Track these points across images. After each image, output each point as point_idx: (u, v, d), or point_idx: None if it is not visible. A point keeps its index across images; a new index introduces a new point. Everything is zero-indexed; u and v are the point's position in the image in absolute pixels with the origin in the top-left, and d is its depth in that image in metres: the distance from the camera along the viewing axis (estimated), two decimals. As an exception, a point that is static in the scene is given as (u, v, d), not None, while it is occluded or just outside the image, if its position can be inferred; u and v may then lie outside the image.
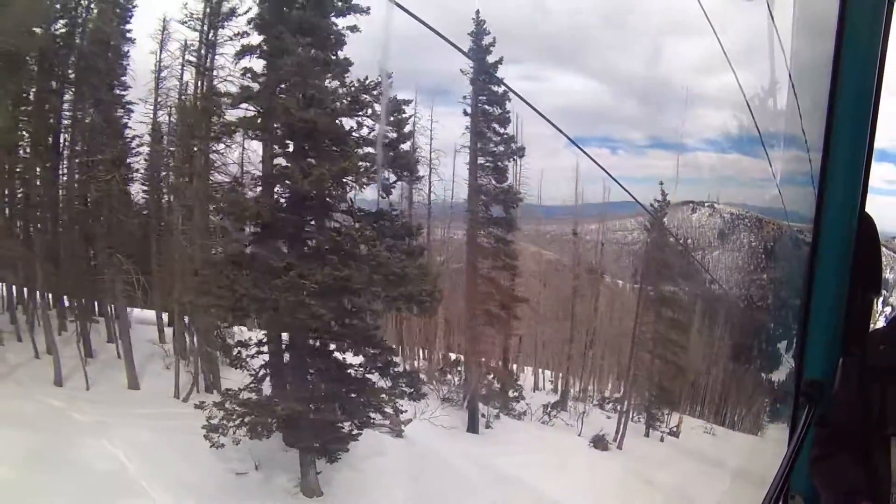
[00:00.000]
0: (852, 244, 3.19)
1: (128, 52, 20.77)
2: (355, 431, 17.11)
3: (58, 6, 19.77)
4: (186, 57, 20.60)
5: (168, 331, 21.95)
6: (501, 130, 24.44)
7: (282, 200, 17.37)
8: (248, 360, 17.58)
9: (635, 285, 29.10)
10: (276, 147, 17.62)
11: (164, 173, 22.16)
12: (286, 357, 17.64)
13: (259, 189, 17.97)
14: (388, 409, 17.63)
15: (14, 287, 20.67)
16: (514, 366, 28.07)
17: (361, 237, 16.58)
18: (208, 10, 20.04)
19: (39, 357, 18.84)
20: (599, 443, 24.51)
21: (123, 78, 20.66)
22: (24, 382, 17.69)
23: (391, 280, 16.61)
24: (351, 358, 17.53)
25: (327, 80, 17.29)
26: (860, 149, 3.12)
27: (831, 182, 3.17)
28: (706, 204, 35.13)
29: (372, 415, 17.38)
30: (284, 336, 17.64)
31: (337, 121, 17.15)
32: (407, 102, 19.51)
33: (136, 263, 19.96)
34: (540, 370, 31.12)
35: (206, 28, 20.12)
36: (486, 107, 24.39)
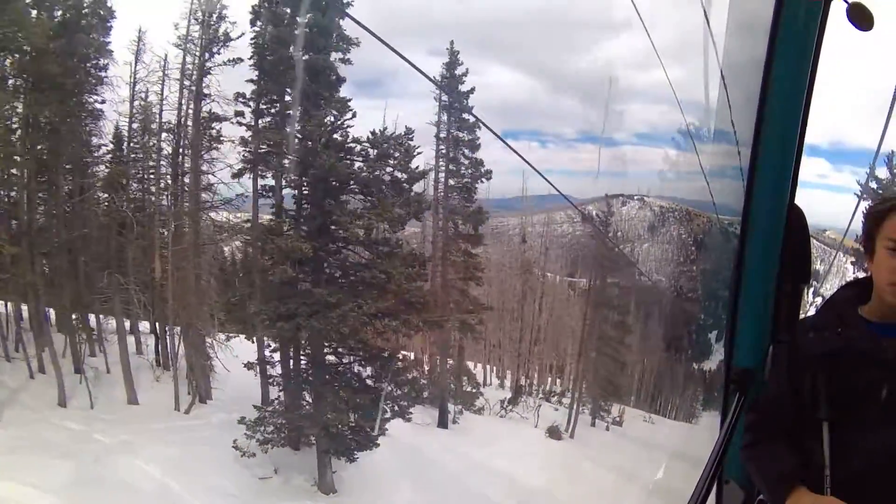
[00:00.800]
0: (781, 235, 2.95)
1: (106, 64, 20.03)
2: (376, 433, 17.40)
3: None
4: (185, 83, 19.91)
5: (147, 342, 21.47)
6: (472, 155, 24.34)
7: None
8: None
9: (569, 279, 28.58)
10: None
11: (154, 192, 21.27)
12: (289, 369, 18.35)
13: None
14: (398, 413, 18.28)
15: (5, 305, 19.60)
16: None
17: (381, 269, 17.28)
18: (203, 34, 19.58)
19: (34, 377, 18.00)
20: (554, 433, 24.72)
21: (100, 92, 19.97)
22: (31, 405, 16.77)
23: (411, 305, 17.71)
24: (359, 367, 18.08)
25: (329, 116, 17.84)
26: (790, 142, 2.88)
27: (760, 174, 2.91)
28: (636, 197, 33.83)
29: (385, 417, 17.85)
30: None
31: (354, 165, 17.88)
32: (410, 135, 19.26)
33: (135, 282, 19.36)
34: (488, 367, 31.05)
35: (200, 51, 19.63)
36: (458, 132, 24.26)
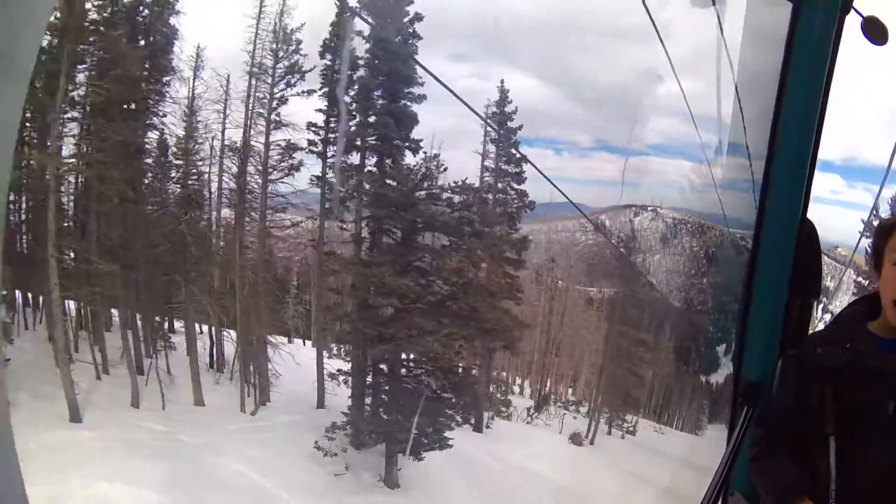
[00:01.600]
0: (792, 249, 2.66)
1: (169, 81, 19.54)
2: (447, 433, 17.69)
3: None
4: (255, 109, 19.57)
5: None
6: (517, 187, 23.76)
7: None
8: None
9: (583, 288, 27.56)
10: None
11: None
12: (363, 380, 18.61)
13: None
14: (459, 419, 18.47)
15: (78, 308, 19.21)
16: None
17: (466, 301, 17.81)
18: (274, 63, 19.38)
19: (101, 378, 17.71)
20: (576, 439, 24.39)
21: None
22: (104, 406, 16.39)
23: (486, 332, 18.41)
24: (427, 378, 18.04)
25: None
26: (804, 157, 2.59)
27: (774, 188, 2.63)
28: (649, 208, 31.70)
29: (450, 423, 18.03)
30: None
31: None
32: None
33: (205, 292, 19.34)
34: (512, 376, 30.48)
35: (273, 80, 19.44)
36: (505, 166, 23.82)
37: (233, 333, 20.30)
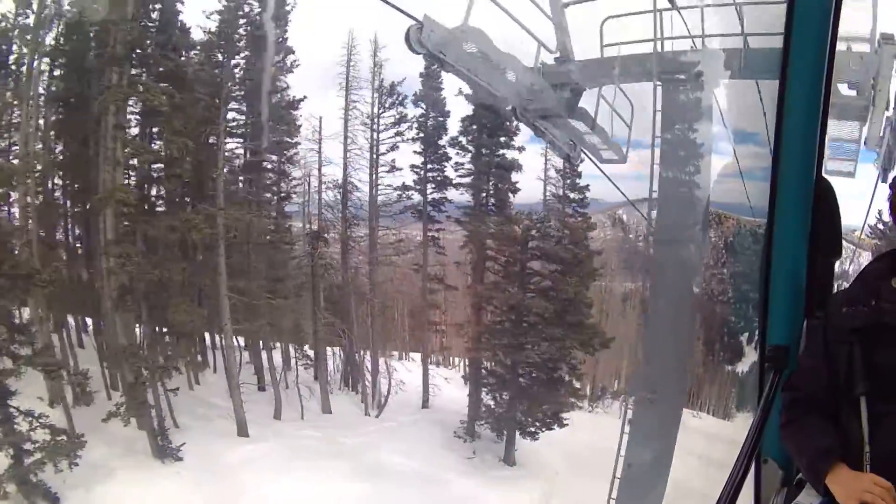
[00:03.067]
0: (810, 209, 2.13)
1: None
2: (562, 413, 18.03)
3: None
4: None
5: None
6: (581, 210, 21.81)
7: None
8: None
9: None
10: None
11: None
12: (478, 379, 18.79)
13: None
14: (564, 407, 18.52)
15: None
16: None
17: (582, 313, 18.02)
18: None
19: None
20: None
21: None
22: (254, 420, 16.12)
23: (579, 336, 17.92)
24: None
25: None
26: (814, 111, 2.05)
27: (787, 148, 2.08)
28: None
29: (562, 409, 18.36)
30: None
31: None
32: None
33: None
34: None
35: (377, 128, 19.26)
36: (570, 192, 21.79)
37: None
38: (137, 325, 15.20)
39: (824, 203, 2.12)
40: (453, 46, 6.01)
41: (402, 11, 5.52)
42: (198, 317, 15.68)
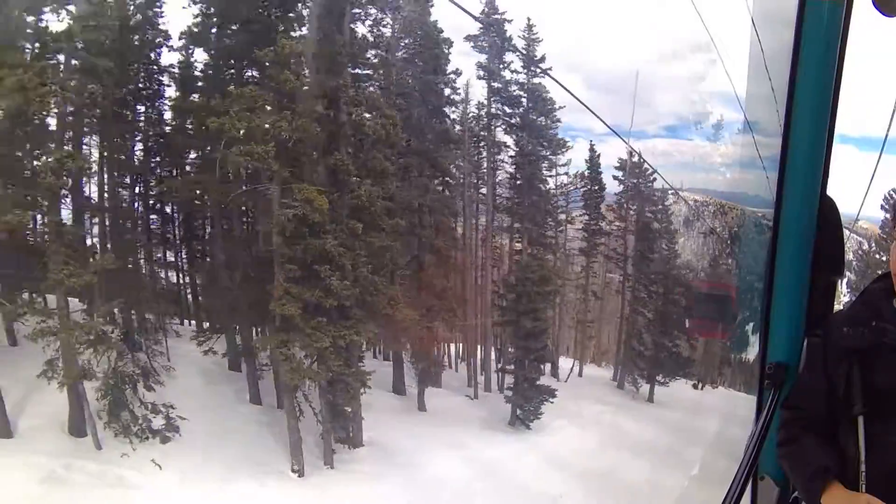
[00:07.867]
0: (814, 227, 2.13)
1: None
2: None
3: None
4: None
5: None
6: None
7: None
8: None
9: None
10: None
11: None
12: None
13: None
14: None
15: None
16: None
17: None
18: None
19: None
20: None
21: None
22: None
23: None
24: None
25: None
26: (820, 132, 2.05)
27: (792, 166, 2.08)
28: (669, 191, 26.75)
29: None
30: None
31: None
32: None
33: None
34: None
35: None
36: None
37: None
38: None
39: (828, 221, 2.11)
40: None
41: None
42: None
